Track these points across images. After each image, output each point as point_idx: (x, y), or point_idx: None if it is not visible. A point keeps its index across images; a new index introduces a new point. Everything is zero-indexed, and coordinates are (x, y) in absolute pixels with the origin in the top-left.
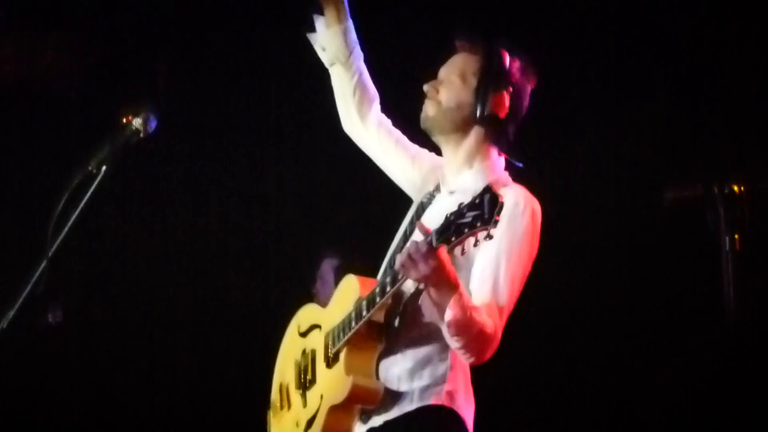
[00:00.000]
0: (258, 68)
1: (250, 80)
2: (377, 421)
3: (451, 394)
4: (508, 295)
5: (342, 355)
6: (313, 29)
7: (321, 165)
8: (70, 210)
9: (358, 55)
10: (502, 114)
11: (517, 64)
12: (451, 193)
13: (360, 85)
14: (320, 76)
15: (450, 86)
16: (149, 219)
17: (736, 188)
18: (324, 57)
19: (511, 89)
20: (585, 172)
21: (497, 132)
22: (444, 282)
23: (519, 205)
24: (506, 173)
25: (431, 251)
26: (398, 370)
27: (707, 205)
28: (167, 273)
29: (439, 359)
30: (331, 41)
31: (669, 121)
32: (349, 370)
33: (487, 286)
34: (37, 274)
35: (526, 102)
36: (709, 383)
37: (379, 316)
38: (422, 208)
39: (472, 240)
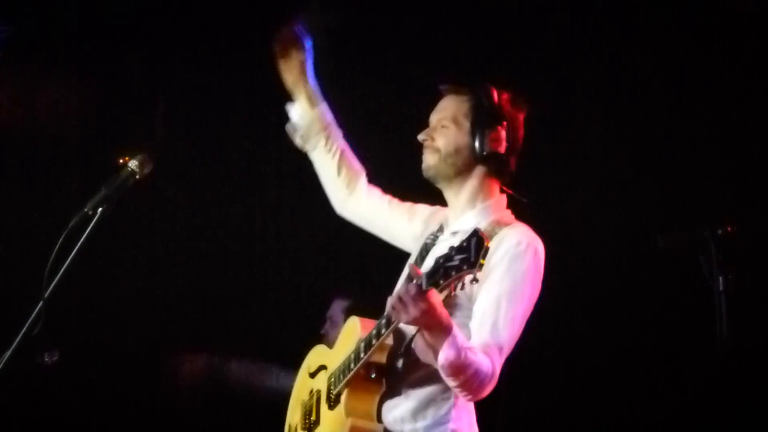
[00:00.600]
0: (258, 111)
1: (248, 124)
2: None
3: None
4: (507, 335)
5: (343, 397)
6: (287, 119)
7: (328, 207)
8: (67, 251)
9: (337, 134)
10: (502, 149)
11: (505, 96)
12: (454, 233)
13: (344, 163)
14: None
15: (445, 131)
16: (150, 263)
17: (727, 230)
18: (302, 144)
19: (505, 123)
20: (582, 220)
21: (500, 167)
22: (435, 324)
23: (521, 245)
24: (509, 211)
25: (420, 294)
26: (401, 411)
27: (700, 247)
28: (170, 319)
29: (442, 398)
30: (308, 128)
31: (662, 169)
32: (348, 412)
33: (486, 326)
34: (34, 314)
35: (522, 132)
36: (705, 423)
37: (381, 357)
38: (426, 249)
39: (460, 283)
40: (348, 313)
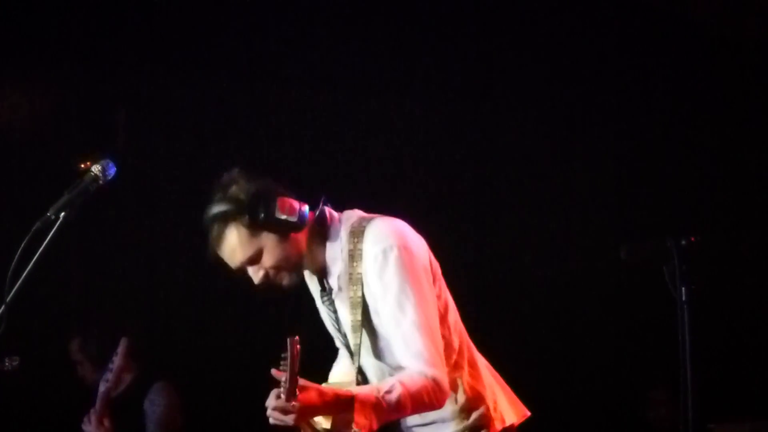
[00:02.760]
0: (222, 119)
1: (213, 132)
2: None
3: (500, 417)
4: (421, 340)
5: None
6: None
7: None
8: (29, 256)
9: None
10: (294, 206)
11: (240, 180)
12: (339, 276)
13: None
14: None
15: (262, 260)
16: (114, 269)
17: (690, 240)
18: None
19: (274, 193)
20: (544, 232)
21: (312, 212)
22: (328, 409)
23: (378, 257)
24: (349, 216)
25: (286, 406)
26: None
27: (663, 257)
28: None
29: (473, 398)
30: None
31: (625, 180)
32: None
33: (399, 349)
34: None
35: (280, 181)
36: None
37: None
38: (335, 317)
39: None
40: None
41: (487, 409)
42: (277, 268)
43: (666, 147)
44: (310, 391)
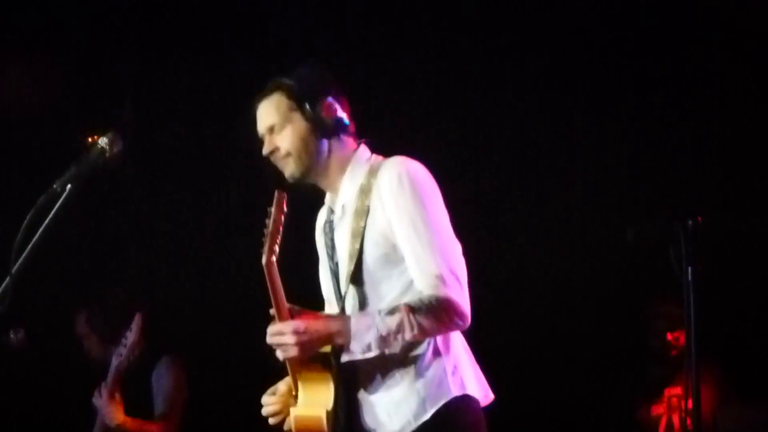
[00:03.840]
0: (228, 97)
1: (218, 108)
2: None
3: (457, 382)
4: (435, 260)
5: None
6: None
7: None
8: (35, 229)
9: None
10: (338, 112)
11: (310, 69)
12: (345, 206)
13: None
14: None
15: (283, 134)
16: (120, 243)
17: (697, 222)
18: None
19: (326, 90)
20: (550, 212)
21: (345, 131)
22: (326, 329)
23: (393, 182)
24: (374, 155)
25: (283, 327)
26: (401, 389)
27: (669, 239)
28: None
29: (432, 356)
30: None
31: (632, 161)
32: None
33: (414, 271)
34: (0, 291)
35: (344, 94)
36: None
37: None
38: (331, 240)
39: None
40: None
41: (445, 371)
42: (289, 152)
43: (673, 128)
44: (305, 312)
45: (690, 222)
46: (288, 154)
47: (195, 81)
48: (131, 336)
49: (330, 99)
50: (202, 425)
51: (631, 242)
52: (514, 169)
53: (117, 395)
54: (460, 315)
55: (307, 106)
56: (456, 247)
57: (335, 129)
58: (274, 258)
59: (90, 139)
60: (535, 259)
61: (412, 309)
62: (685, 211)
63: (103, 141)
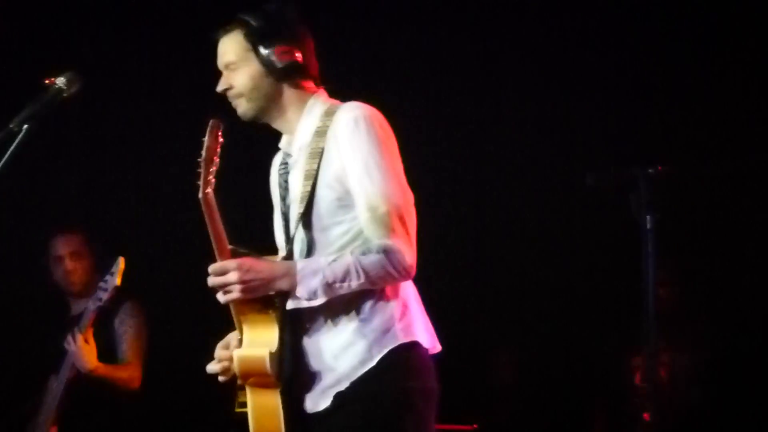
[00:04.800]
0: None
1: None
2: (344, 384)
3: (405, 329)
4: (386, 207)
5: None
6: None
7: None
8: None
9: None
10: (297, 57)
11: (274, 8)
12: (300, 149)
13: None
14: None
15: (237, 72)
16: (75, 183)
17: (657, 169)
18: None
19: (286, 33)
20: (511, 158)
21: (303, 74)
22: (270, 272)
23: (350, 124)
24: (331, 100)
25: (225, 265)
26: (348, 333)
27: (629, 185)
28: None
29: (380, 302)
30: None
31: (594, 108)
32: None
33: (363, 214)
34: None
35: (309, 36)
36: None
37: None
38: (285, 181)
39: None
40: None
41: (393, 317)
42: (240, 92)
43: (635, 76)
44: (247, 253)
45: (650, 170)
46: (240, 95)
47: (159, 15)
48: (112, 280)
49: (288, 41)
50: (163, 370)
51: (591, 187)
52: (475, 118)
53: (90, 340)
54: (406, 267)
55: (262, 49)
56: (408, 196)
57: (289, 73)
58: (210, 190)
59: (47, 81)
60: (496, 206)
61: (359, 257)
62: (646, 159)
63: (60, 81)
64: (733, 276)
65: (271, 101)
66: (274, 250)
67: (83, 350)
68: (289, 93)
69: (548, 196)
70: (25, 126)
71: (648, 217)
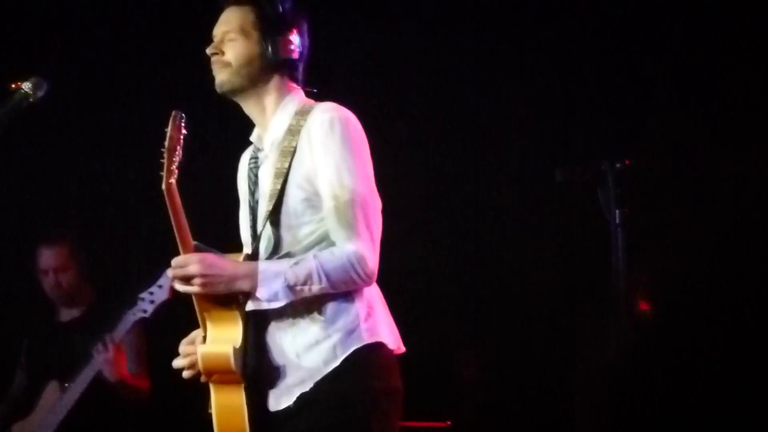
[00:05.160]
0: (156, 41)
1: (145, 54)
2: (308, 384)
3: (370, 329)
4: (354, 211)
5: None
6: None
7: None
8: None
9: None
10: (295, 55)
11: (288, 5)
12: (272, 144)
13: None
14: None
15: (234, 44)
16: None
17: (625, 164)
18: None
19: (294, 30)
20: (480, 153)
21: (294, 73)
22: (232, 271)
23: (324, 125)
24: (306, 99)
25: (187, 258)
26: (312, 333)
27: (597, 180)
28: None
29: (345, 302)
30: None
31: (562, 103)
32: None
33: (330, 218)
34: None
35: (308, 39)
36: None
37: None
38: (254, 175)
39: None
40: None
41: (357, 317)
42: (230, 62)
43: (603, 69)
44: (210, 250)
45: (618, 164)
46: (228, 64)
47: (124, 19)
48: (161, 293)
49: (292, 37)
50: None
51: (559, 182)
52: (443, 118)
53: (122, 350)
54: (368, 273)
55: (268, 35)
56: (376, 203)
57: (283, 66)
58: (173, 180)
59: (14, 85)
60: (463, 202)
61: (321, 261)
62: (613, 152)
63: (26, 86)
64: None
65: (253, 84)
66: (238, 250)
67: (116, 359)
68: (273, 84)
69: (517, 191)
70: None
71: (617, 211)
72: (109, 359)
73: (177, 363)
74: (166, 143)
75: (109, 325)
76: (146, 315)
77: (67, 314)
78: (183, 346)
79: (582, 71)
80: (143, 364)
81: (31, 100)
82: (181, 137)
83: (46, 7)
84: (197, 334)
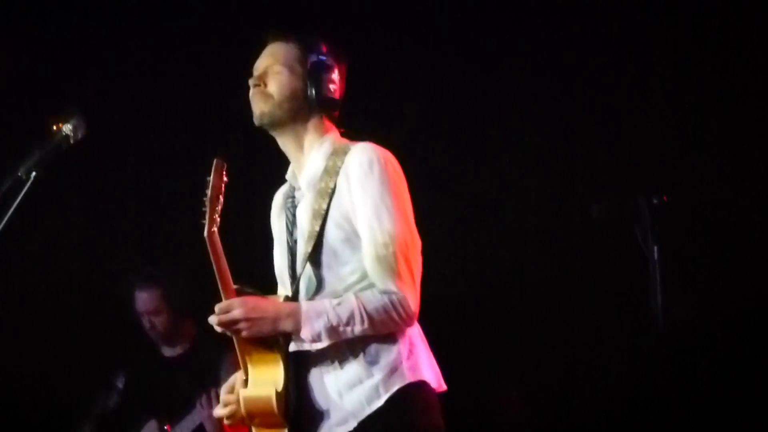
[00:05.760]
0: (192, 77)
1: (181, 90)
2: (351, 424)
3: (412, 368)
4: (394, 254)
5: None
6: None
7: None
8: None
9: None
10: (337, 95)
11: (330, 46)
12: (309, 183)
13: None
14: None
15: (278, 77)
16: (78, 226)
17: (663, 199)
18: None
19: (336, 70)
20: (516, 189)
21: (332, 114)
22: (275, 312)
23: (363, 166)
24: (344, 140)
25: (230, 303)
26: (354, 372)
27: (635, 216)
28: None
29: (388, 341)
30: None
31: (597, 139)
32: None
33: (369, 259)
34: None
35: (347, 79)
36: (638, 388)
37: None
38: (292, 215)
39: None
40: None
41: (400, 355)
42: (272, 94)
43: (641, 104)
44: (253, 293)
45: (655, 199)
46: (270, 96)
47: (162, 61)
48: None
49: (335, 77)
50: None
51: (596, 219)
52: (478, 150)
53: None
54: (409, 314)
55: (313, 74)
56: (416, 243)
57: (323, 106)
58: (215, 228)
59: (54, 126)
60: (499, 239)
61: (363, 302)
62: (650, 188)
63: (67, 127)
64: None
65: (293, 120)
66: (271, 285)
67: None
68: (312, 122)
69: (553, 227)
70: (33, 173)
71: (655, 247)
72: (211, 415)
73: (218, 412)
74: (209, 192)
75: (213, 373)
76: None
77: (170, 351)
78: (224, 394)
79: (620, 105)
80: None
81: (71, 141)
82: (223, 185)
83: (86, 46)
84: (236, 379)
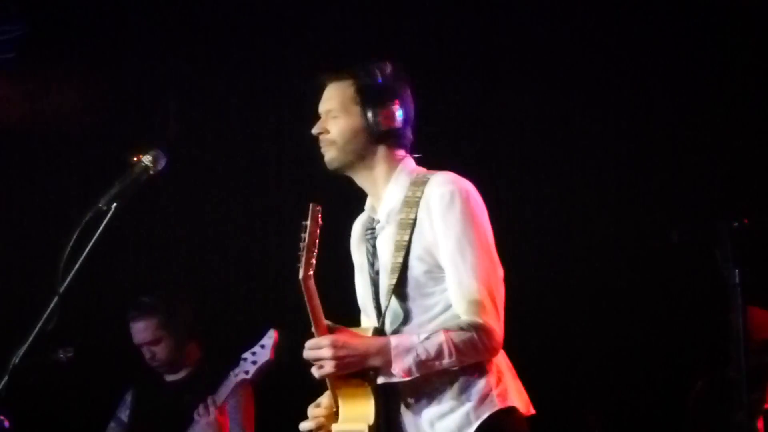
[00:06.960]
0: (266, 110)
1: (258, 122)
2: None
3: (502, 395)
4: (477, 285)
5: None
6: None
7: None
8: (82, 247)
9: None
10: (397, 124)
11: (389, 70)
12: (389, 215)
13: None
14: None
15: (336, 121)
16: (163, 260)
17: (743, 223)
18: None
19: (395, 99)
20: (594, 215)
21: (399, 141)
22: (365, 348)
23: (445, 198)
24: (422, 170)
25: (320, 341)
26: (445, 402)
27: (714, 240)
28: None
29: (477, 369)
30: None
31: (675, 162)
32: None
33: (453, 292)
34: (49, 310)
35: (412, 103)
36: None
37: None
38: (373, 247)
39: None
40: None
41: (489, 383)
42: (335, 140)
43: (719, 128)
44: (344, 330)
45: (735, 223)
46: (333, 142)
47: (240, 91)
48: (263, 353)
49: (394, 107)
50: None
51: (676, 243)
52: (559, 176)
53: (225, 414)
54: (495, 346)
55: (369, 108)
56: (498, 273)
57: (386, 137)
58: (311, 272)
59: (135, 158)
60: (579, 265)
61: (451, 336)
62: (730, 211)
63: (146, 159)
64: None
65: (361, 158)
66: (354, 316)
67: (218, 422)
68: (380, 155)
69: (632, 253)
70: (114, 204)
71: (735, 271)
72: (211, 423)
73: (304, 426)
74: (307, 237)
75: (213, 386)
76: (248, 377)
77: (173, 377)
78: (311, 410)
79: (701, 130)
80: (250, 427)
81: (151, 172)
82: (318, 230)
83: (165, 79)
84: (324, 397)
